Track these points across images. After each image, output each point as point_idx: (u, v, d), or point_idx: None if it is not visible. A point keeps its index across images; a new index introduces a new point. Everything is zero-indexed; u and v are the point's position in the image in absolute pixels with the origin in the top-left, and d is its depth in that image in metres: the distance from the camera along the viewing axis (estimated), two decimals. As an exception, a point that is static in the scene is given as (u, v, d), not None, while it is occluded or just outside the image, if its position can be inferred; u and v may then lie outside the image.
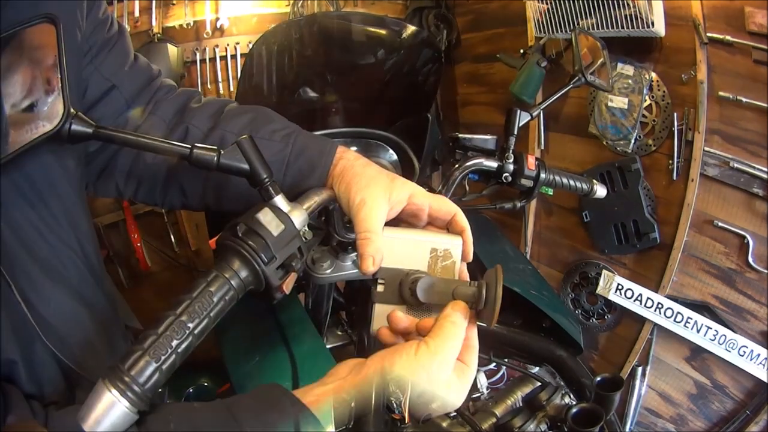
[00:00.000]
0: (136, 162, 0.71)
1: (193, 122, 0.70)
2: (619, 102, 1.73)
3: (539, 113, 1.15)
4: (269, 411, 0.44)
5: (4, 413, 0.44)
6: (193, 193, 0.73)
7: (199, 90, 0.89)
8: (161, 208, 2.02)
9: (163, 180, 0.73)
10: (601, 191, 1.19)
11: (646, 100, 1.68)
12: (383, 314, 0.56)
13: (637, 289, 1.76)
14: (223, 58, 2.10)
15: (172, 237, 2.19)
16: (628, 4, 1.55)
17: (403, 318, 0.52)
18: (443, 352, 0.47)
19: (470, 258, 0.58)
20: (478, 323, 0.53)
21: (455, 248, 0.57)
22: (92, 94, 0.65)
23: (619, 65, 1.70)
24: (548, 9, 1.78)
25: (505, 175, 1.10)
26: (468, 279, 0.59)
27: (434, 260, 0.57)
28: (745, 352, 1.54)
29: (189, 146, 0.56)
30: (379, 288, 0.57)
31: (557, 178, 1.13)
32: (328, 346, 1.17)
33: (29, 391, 0.50)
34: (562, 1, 1.71)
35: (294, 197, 0.61)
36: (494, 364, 1.26)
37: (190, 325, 0.45)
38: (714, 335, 1.59)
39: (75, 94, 0.59)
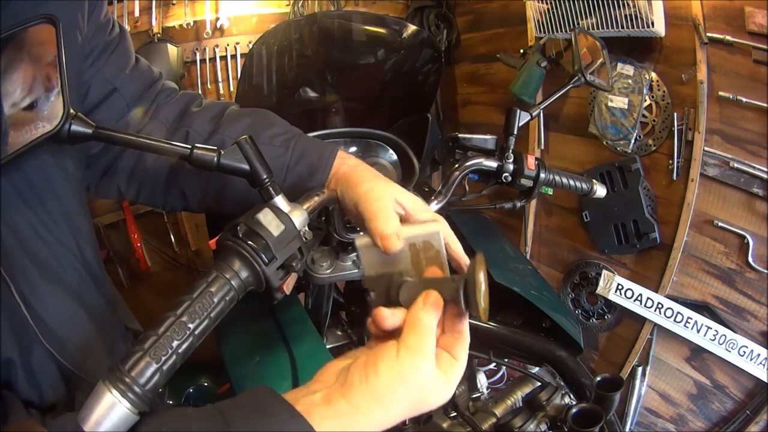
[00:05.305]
0: (137, 164, 0.71)
1: (194, 126, 0.70)
2: (619, 102, 1.73)
3: (539, 113, 1.15)
4: (263, 418, 0.43)
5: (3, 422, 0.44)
6: (194, 195, 0.73)
7: (200, 91, 0.89)
8: (162, 210, 2.02)
9: (164, 182, 0.73)
10: (601, 191, 1.19)
11: (646, 100, 1.68)
12: None
13: (637, 289, 1.76)
14: (223, 58, 2.09)
15: (172, 237, 2.19)
16: (628, 4, 1.54)
17: (388, 316, 0.50)
18: (423, 349, 0.47)
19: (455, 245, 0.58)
20: (471, 317, 0.51)
21: (434, 237, 0.55)
22: (93, 96, 0.65)
23: (619, 65, 1.70)
24: (548, 9, 1.78)
25: (504, 175, 1.10)
26: (466, 262, 0.58)
27: (416, 255, 0.55)
28: (745, 352, 1.54)
29: (189, 147, 0.56)
30: (372, 295, 0.56)
31: (557, 177, 1.13)
32: (328, 346, 1.16)
33: (28, 394, 0.50)
34: (562, 1, 1.71)
35: (293, 200, 0.61)
36: (494, 364, 1.25)
37: (191, 326, 0.45)
38: (714, 335, 1.59)
39: (75, 96, 0.59)
